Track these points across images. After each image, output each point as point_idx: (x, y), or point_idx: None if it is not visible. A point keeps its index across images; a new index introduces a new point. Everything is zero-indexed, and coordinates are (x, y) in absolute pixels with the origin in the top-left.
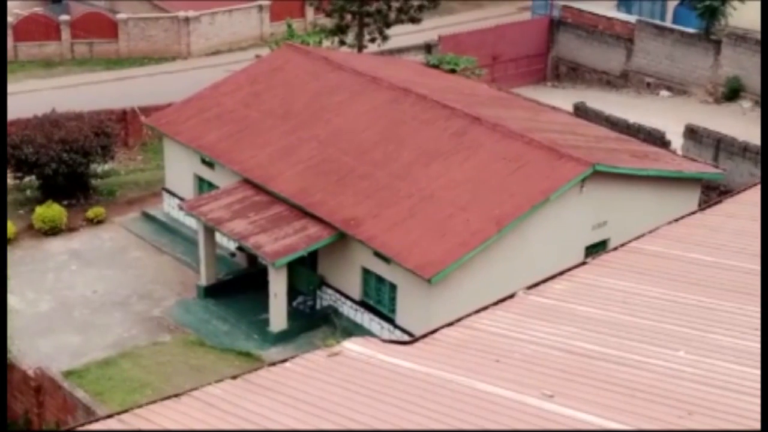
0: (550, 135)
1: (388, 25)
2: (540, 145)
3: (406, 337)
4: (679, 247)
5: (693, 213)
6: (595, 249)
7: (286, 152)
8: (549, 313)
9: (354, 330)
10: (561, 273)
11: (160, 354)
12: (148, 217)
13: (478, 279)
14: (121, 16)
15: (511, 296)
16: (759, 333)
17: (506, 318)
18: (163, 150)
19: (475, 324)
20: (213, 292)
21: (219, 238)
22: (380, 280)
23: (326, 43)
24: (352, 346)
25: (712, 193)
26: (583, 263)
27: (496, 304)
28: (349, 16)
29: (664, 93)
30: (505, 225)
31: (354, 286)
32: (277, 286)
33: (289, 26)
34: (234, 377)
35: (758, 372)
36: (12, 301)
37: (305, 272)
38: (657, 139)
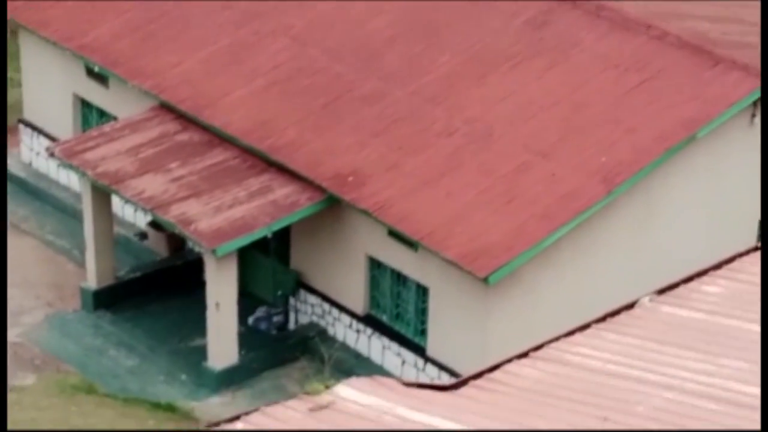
0: (697, 24)
1: None
2: (680, 42)
3: (446, 378)
4: None
5: None
6: None
7: (235, 57)
8: (696, 335)
9: (354, 365)
10: (717, 266)
11: (19, 408)
12: None
13: (571, 276)
14: None
15: (630, 306)
16: None
17: (621, 344)
18: (19, 54)
19: (565, 355)
20: (109, 299)
21: (119, 206)
22: (400, 279)
23: None
24: (351, 393)
25: None
26: (756, 249)
27: (602, 320)
28: None
29: None
30: (618, 183)
31: (354, 290)
32: (221, 290)
33: None
34: None
35: None
36: None
37: (269, 267)
38: None
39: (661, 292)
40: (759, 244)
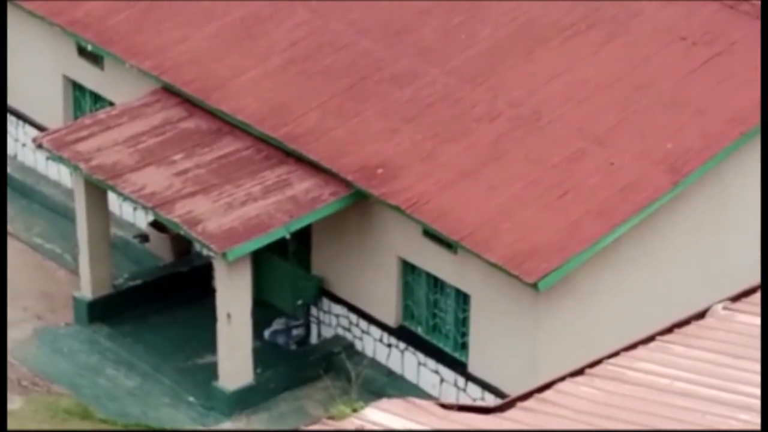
0: None
1: None
2: (755, 12)
3: (490, 399)
4: None
5: None
6: None
7: (247, 32)
8: None
9: (385, 384)
10: None
11: None
12: None
13: (632, 281)
14: None
15: (700, 315)
16: None
17: (690, 359)
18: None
19: (627, 372)
20: (106, 311)
21: (116, 205)
22: (437, 285)
23: None
24: (381, 416)
25: None
26: None
27: (669, 330)
28: None
29: None
30: (686, 173)
31: (385, 298)
32: (233, 299)
33: None
34: None
35: None
36: None
37: (287, 272)
38: None
39: (737, 298)
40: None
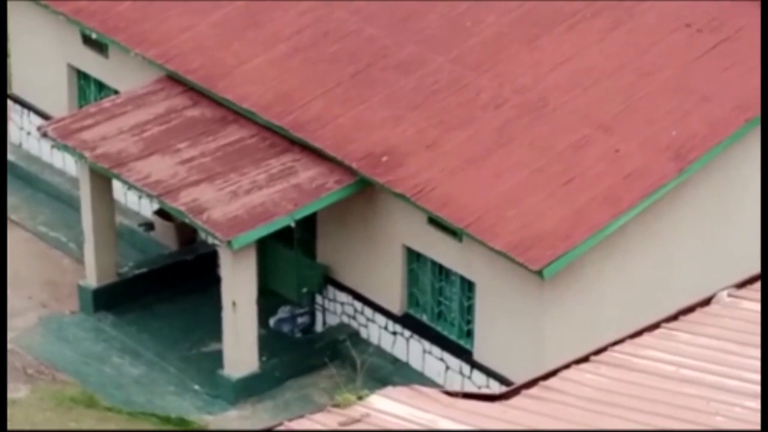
0: None
1: None
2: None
3: (495, 386)
4: None
5: None
6: None
7: (252, 20)
8: None
9: (390, 372)
10: None
11: (10, 424)
12: None
13: (638, 268)
14: None
15: (706, 302)
16: None
17: (695, 346)
18: (6, 20)
19: (632, 359)
20: (111, 299)
21: (121, 193)
22: (442, 273)
23: None
24: (387, 404)
25: None
26: None
27: (674, 318)
28: None
29: None
30: (691, 160)
31: (390, 286)
32: (238, 287)
33: None
34: None
35: None
36: None
37: (292, 260)
38: None
39: (742, 285)
40: None
